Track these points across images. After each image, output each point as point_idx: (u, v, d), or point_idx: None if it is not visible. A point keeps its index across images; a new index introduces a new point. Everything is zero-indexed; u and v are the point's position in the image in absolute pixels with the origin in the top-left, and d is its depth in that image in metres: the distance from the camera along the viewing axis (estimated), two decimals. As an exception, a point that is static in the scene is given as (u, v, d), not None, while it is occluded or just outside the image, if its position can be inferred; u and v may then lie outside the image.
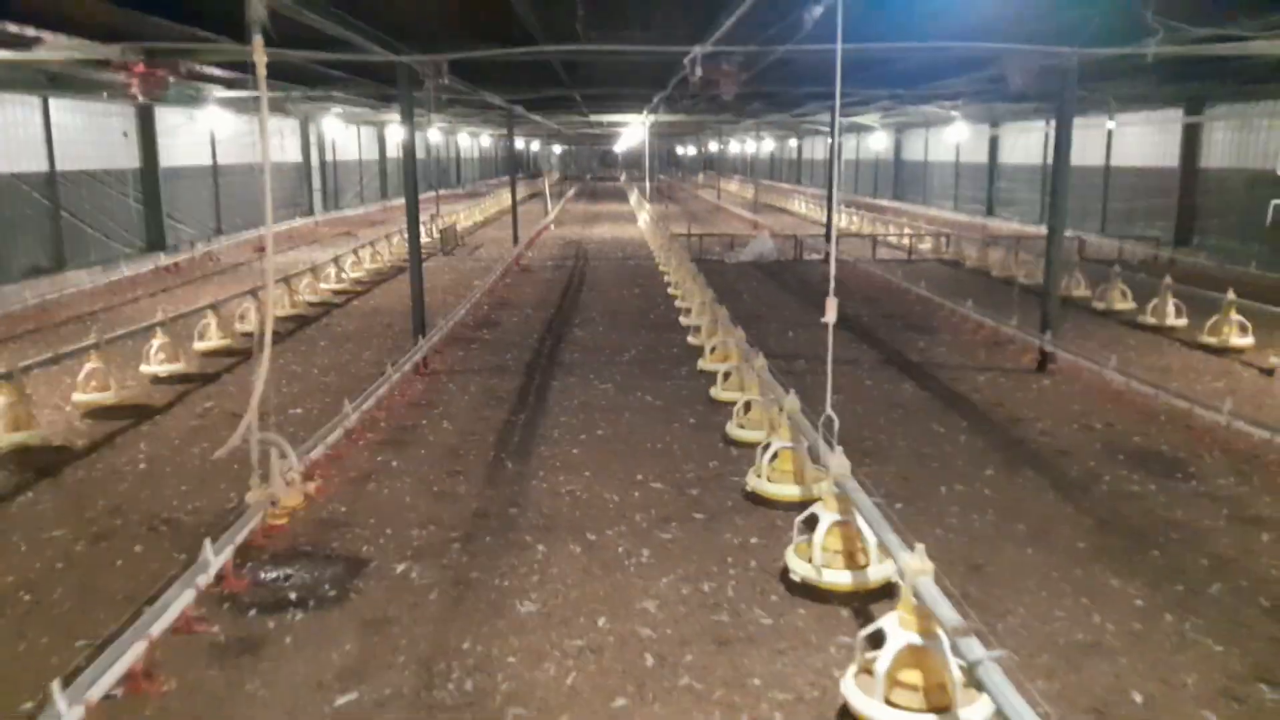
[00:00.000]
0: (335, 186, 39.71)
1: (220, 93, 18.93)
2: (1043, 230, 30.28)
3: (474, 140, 65.56)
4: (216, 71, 16.11)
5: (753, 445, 8.82)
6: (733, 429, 9.19)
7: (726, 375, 10.70)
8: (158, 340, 11.83)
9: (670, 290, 18.52)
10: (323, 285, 19.07)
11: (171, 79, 11.61)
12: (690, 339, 13.86)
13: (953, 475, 8.42)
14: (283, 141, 33.13)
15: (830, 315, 6.62)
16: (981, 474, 8.49)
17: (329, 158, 38.71)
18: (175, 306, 17.07)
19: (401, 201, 42.31)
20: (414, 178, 12.45)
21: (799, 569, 5.94)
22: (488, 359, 13.07)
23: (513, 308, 17.36)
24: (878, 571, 5.85)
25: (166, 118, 24.32)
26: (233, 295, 15.18)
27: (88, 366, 10.34)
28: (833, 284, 6.82)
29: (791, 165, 67.67)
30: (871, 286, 19.58)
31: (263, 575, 6.27)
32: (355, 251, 21.81)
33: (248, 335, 14.52)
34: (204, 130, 26.86)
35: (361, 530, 7.10)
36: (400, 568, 6.45)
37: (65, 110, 20.16)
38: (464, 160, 68.80)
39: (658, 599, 6.01)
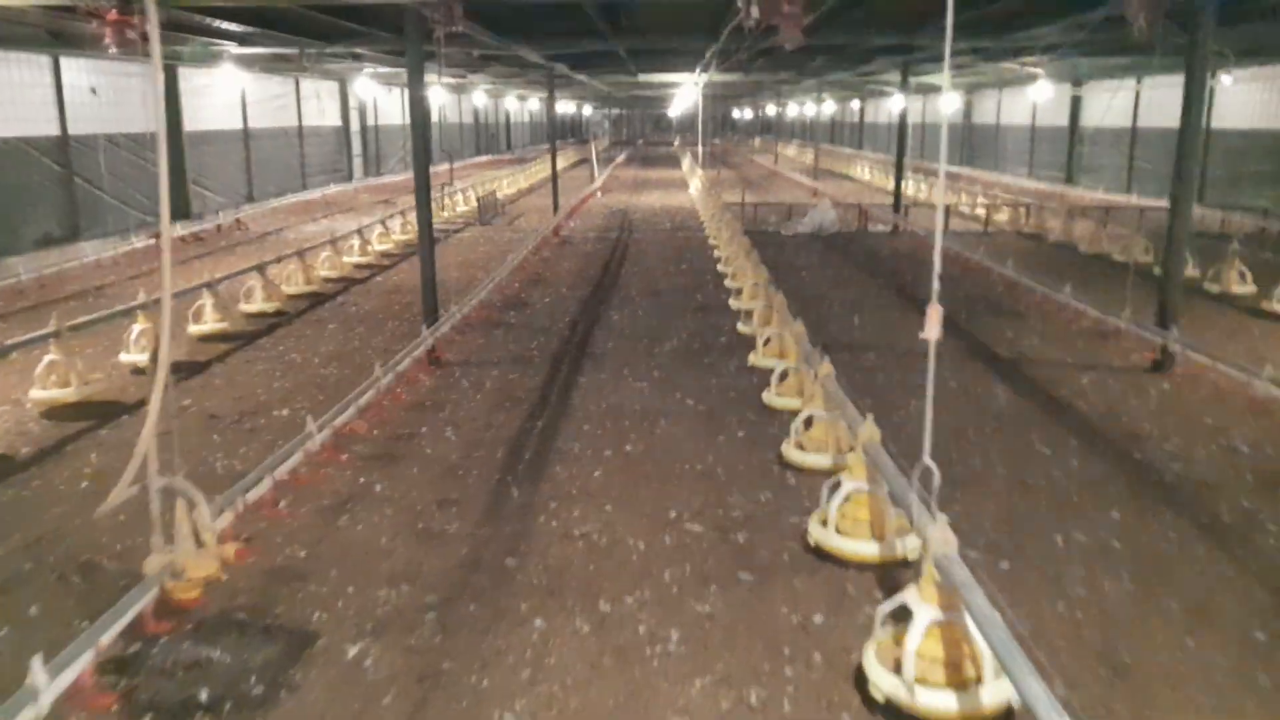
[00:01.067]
0: (377, 152, 38.46)
1: (235, 49, 17.52)
2: (1131, 200, 27.85)
3: (522, 104, 63.89)
4: (221, 24, 14.72)
5: (814, 473, 7.15)
6: (790, 450, 7.51)
7: (783, 376, 9.00)
8: (139, 325, 10.51)
9: (720, 267, 16.77)
10: (345, 259, 17.72)
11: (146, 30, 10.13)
12: (741, 327, 12.16)
13: (1069, 517, 6.66)
14: (321, 105, 31.89)
15: (933, 330, 4.85)
16: (1106, 516, 6.71)
17: (370, 122, 37.41)
18: (186, 281, 15.91)
19: (445, 167, 40.91)
20: (425, 143, 10.87)
21: (882, 682, 4.29)
22: (510, 347, 11.53)
23: (546, 285, 15.79)
24: (994, 694, 4.17)
25: (193, 79, 23.09)
26: (240, 270, 13.84)
27: (46, 358, 9.04)
28: (936, 285, 4.99)
29: (853, 129, 64.78)
30: (949, 263, 17.51)
31: (175, 657, 4.83)
32: (384, 222, 20.41)
33: (254, 316, 13.21)
34: (233, 92, 25.65)
35: (318, 587, 5.62)
36: (354, 650, 4.96)
37: (79, 70, 18.99)
38: (514, 125, 67.25)
39: (687, 716, 4.42)
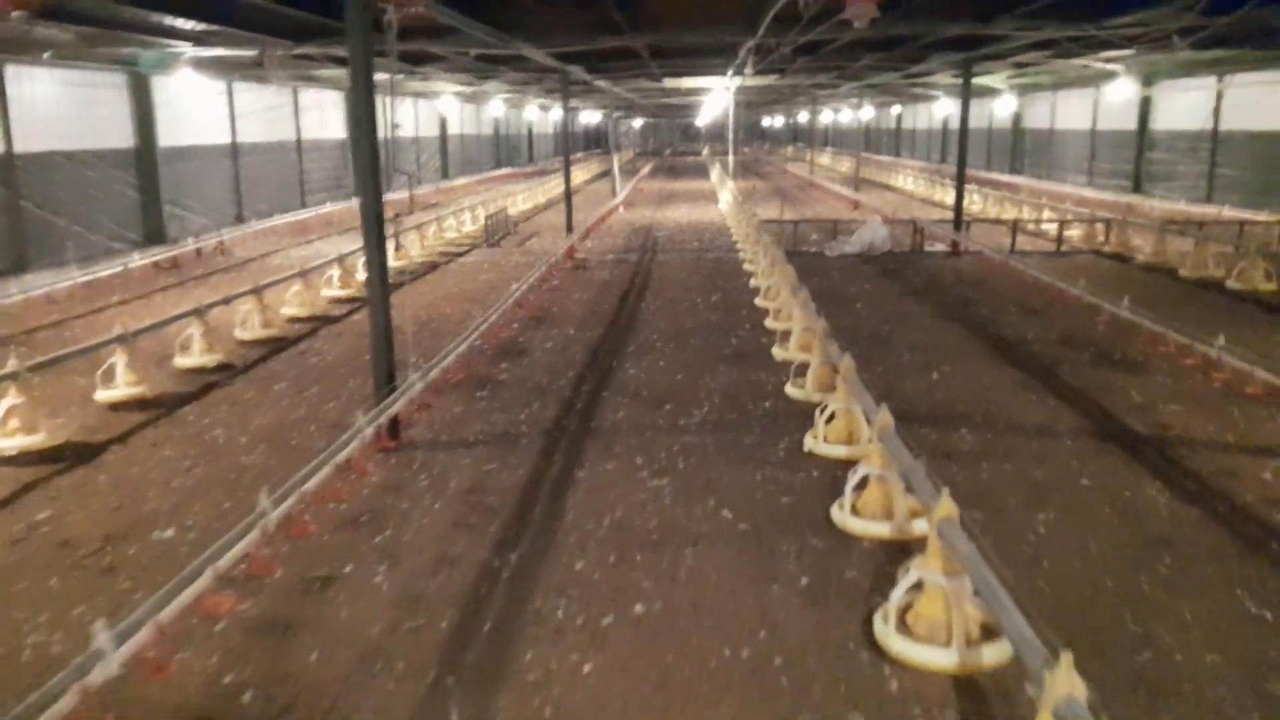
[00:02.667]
0: (388, 165, 36.24)
1: (192, 50, 15.24)
2: (1217, 212, 24.72)
3: (545, 114, 61.75)
4: (170, 21, 12.43)
5: (934, 675, 4.55)
6: (888, 632, 4.83)
7: (862, 483, 6.37)
8: (120, 359, 8.13)
9: (759, 301, 14.16)
10: (325, 292, 15.37)
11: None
12: (791, 390, 9.55)
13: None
14: (323, 116, 29.75)
15: None
16: None
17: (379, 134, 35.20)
18: (141, 318, 13.63)
19: (464, 180, 38.74)
20: (373, 163, 8.38)
21: None
22: (494, 418, 9.01)
23: (551, 324, 13.29)
24: None
25: (169, 88, 20.92)
26: (178, 315, 11.45)
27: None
28: None
29: (889, 136, 61.92)
30: (1027, 292, 14.85)
31: None
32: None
33: (187, 374, 10.81)
34: (220, 103, 23.51)
35: None
36: None
37: (29, 79, 16.84)
38: (536, 136, 65.15)
39: None
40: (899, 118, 60.30)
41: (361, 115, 8.01)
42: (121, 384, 9.51)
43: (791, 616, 5.26)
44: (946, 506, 4.59)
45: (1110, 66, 20.91)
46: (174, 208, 21.08)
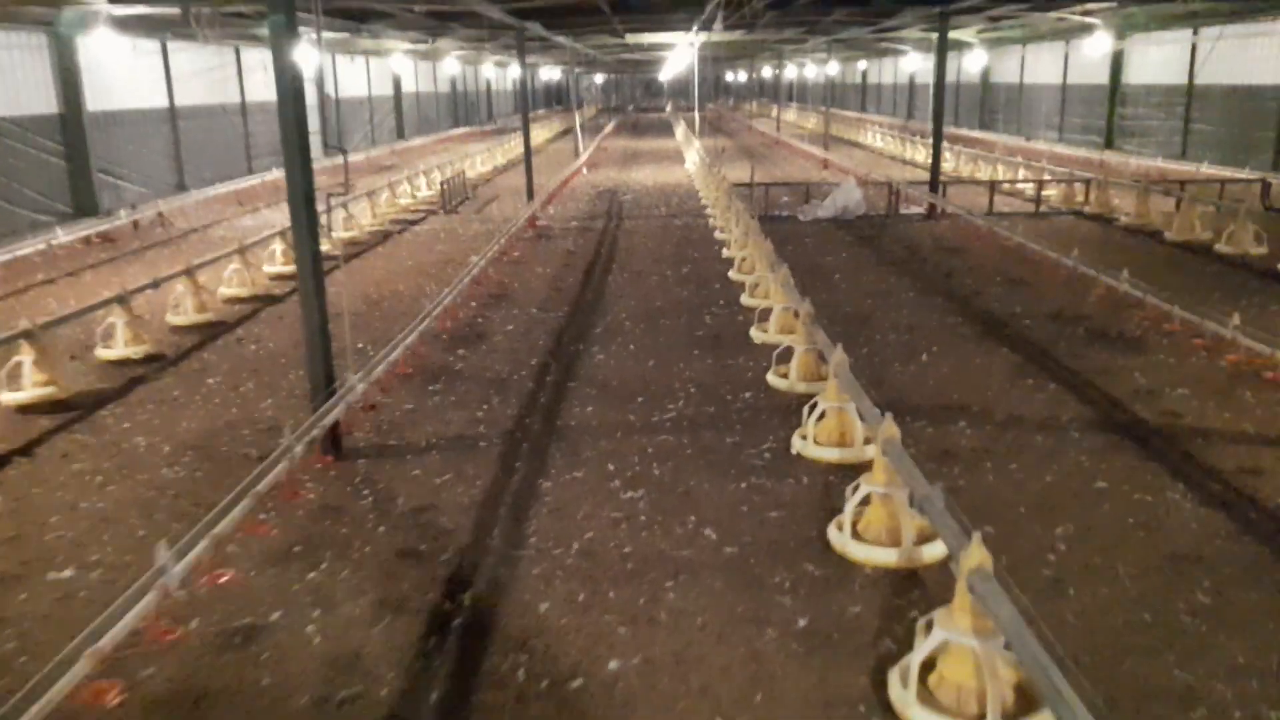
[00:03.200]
0: (338, 128, 34.73)
1: (107, 8, 13.93)
2: (1194, 169, 24.21)
3: (504, 71, 60.00)
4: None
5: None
6: (907, 697, 4.12)
7: (864, 502, 5.64)
8: (24, 356, 7.15)
9: (734, 274, 13.36)
10: (267, 268, 14.33)
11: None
12: (772, 378, 8.80)
13: None
14: (269, 77, 28.15)
15: None
16: None
17: (329, 94, 33.65)
18: (66, 300, 12.61)
19: (420, 141, 37.21)
20: (299, 130, 7.40)
21: None
22: (449, 418, 8.17)
23: (511, 304, 12.40)
24: None
25: (96, 49, 19.42)
26: (98, 301, 10.40)
27: None
28: None
29: (855, 91, 60.92)
30: (1010, 259, 14.20)
31: None
32: (327, 211, 16.92)
33: (111, 367, 9.83)
34: (155, 65, 22.02)
35: None
36: None
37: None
38: (496, 94, 63.31)
39: None
40: (864, 73, 59.33)
41: (285, 80, 7.01)
42: (30, 384, 8.53)
43: (790, 671, 4.55)
44: (978, 555, 3.87)
45: (1087, 20, 20.16)
46: (107, 177, 19.71)
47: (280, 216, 20.26)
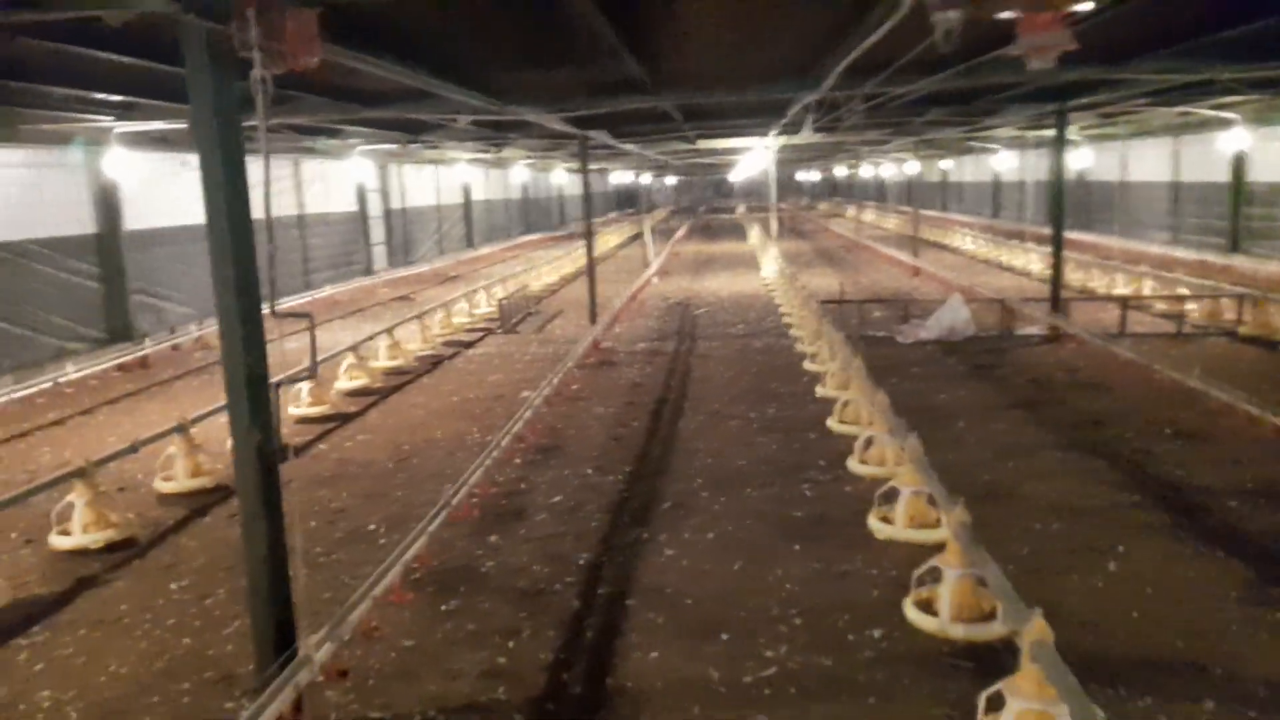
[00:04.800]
0: (404, 238, 33.98)
1: (120, 126, 12.71)
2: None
3: (575, 176, 59.77)
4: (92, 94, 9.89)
5: None
6: None
7: None
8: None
9: (833, 424, 10.99)
10: (291, 410, 12.58)
11: None
12: (912, 611, 6.37)
13: None
14: (327, 187, 27.45)
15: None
16: None
17: (394, 205, 32.99)
18: (65, 445, 11.03)
19: (489, 249, 36.17)
20: (243, 269, 5.42)
21: None
22: (458, 665, 5.94)
23: (562, 460, 10.27)
24: None
25: (137, 166, 18.54)
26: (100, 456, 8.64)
27: None
28: None
29: (935, 189, 58.87)
30: (1172, 402, 11.58)
31: None
32: (390, 331, 15.25)
33: (67, 559, 7.95)
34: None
35: None
36: None
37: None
38: (567, 198, 63.11)
39: None
40: (944, 171, 57.42)
41: (212, 184, 5.07)
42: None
43: None
44: None
45: (1223, 114, 17.81)
46: (145, 298, 18.57)
47: (328, 337, 18.86)
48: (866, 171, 64.04)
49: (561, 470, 9.86)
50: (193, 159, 19.44)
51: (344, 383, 13.99)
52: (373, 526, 8.45)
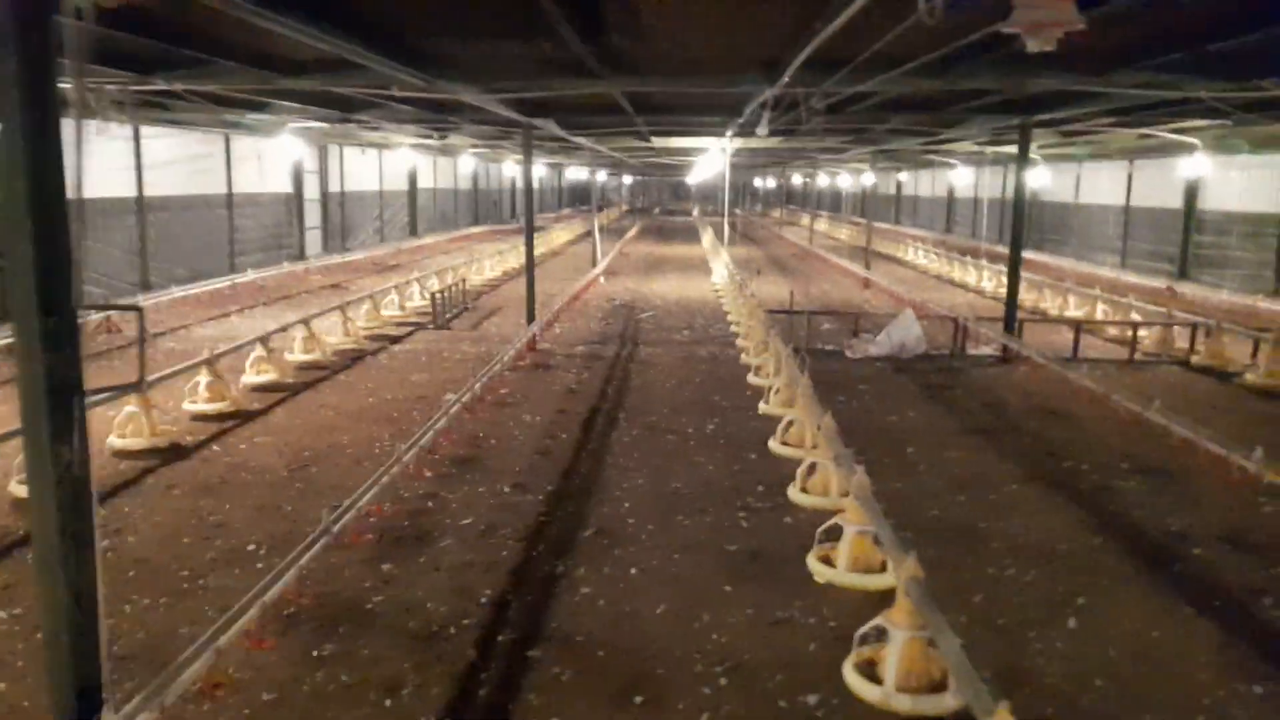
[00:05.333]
0: (342, 223, 32.61)
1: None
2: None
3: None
4: None
5: None
6: None
7: None
8: None
9: (775, 445, 10.20)
10: (187, 405, 11.43)
11: None
12: (854, 677, 5.57)
13: None
14: (262, 166, 26.06)
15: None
16: None
17: (334, 187, 31.61)
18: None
19: (433, 239, 34.86)
20: (47, 225, 4.35)
21: None
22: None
23: (480, 474, 9.33)
24: None
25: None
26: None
27: None
28: None
29: (889, 203, 58.88)
30: (1131, 434, 11.03)
31: None
32: (305, 322, 14.09)
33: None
34: (123, 151, 19.76)
35: None
36: None
37: None
38: (519, 191, 61.85)
39: None
40: (899, 184, 57.45)
41: (29, 173, 4.04)
42: None
43: None
44: None
45: (1186, 139, 17.48)
46: (45, 274, 17.13)
47: (248, 324, 17.67)
48: (822, 181, 63.89)
49: (477, 486, 8.92)
50: (111, 126, 18.04)
51: (250, 377, 12.85)
52: (253, 546, 7.43)
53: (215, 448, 10.20)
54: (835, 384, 13.28)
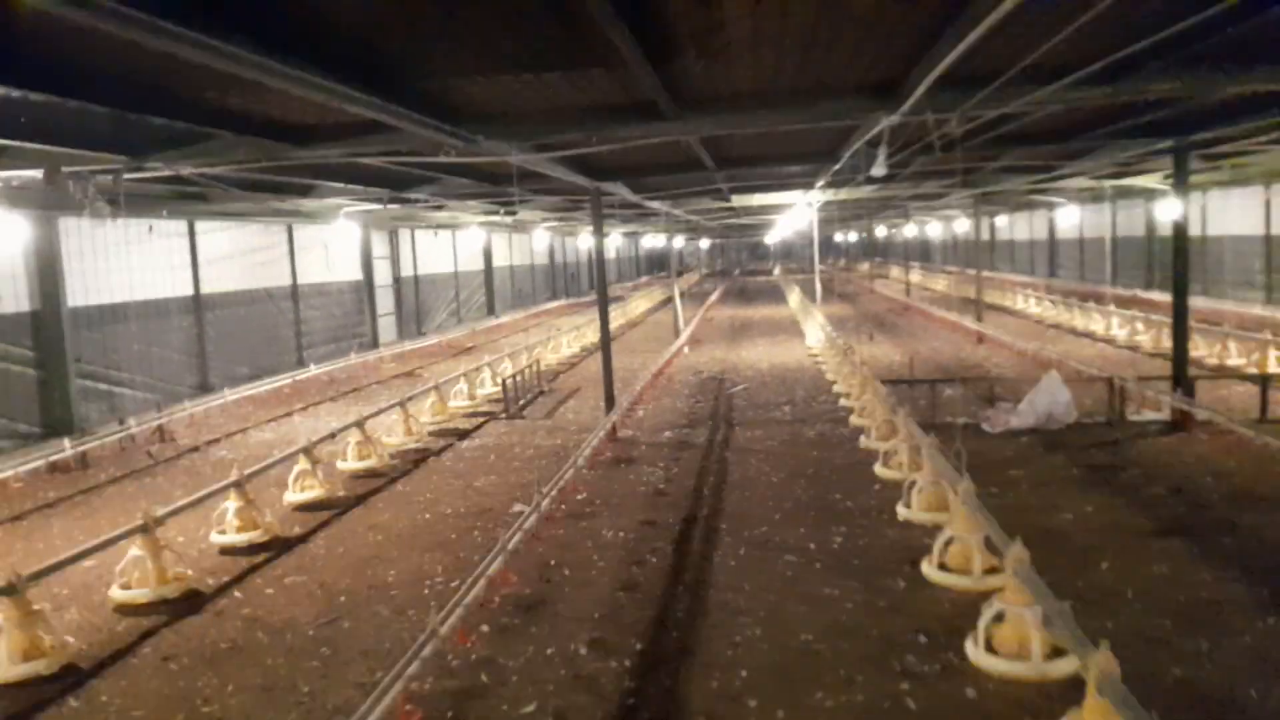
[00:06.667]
0: (417, 306, 31.64)
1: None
2: None
3: (603, 240, 57.62)
4: None
5: None
6: None
7: None
8: None
9: (930, 570, 7.92)
10: (217, 537, 9.80)
11: None
12: None
13: None
14: (328, 255, 25.18)
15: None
16: None
17: (405, 272, 30.71)
18: None
19: (510, 317, 33.45)
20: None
21: None
22: None
23: (548, 622, 7.30)
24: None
25: (90, 233, 16.24)
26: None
27: None
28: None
29: (981, 248, 55.60)
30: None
31: None
32: (302, 455, 12.43)
33: None
34: (175, 248, 18.88)
35: None
36: None
37: None
38: (592, 263, 60.90)
39: None
40: (991, 228, 54.40)
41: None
42: None
43: None
44: None
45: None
46: (91, 382, 16.09)
47: (311, 424, 16.31)
48: (909, 231, 61.17)
49: (544, 647, 6.90)
50: (164, 224, 17.15)
51: (294, 494, 11.21)
52: (242, 758, 5.56)
53: (236, 594, 8.46)
54: (977, 466, 10.86)
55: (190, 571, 8.77)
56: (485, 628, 7.24)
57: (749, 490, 10.96)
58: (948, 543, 7.61)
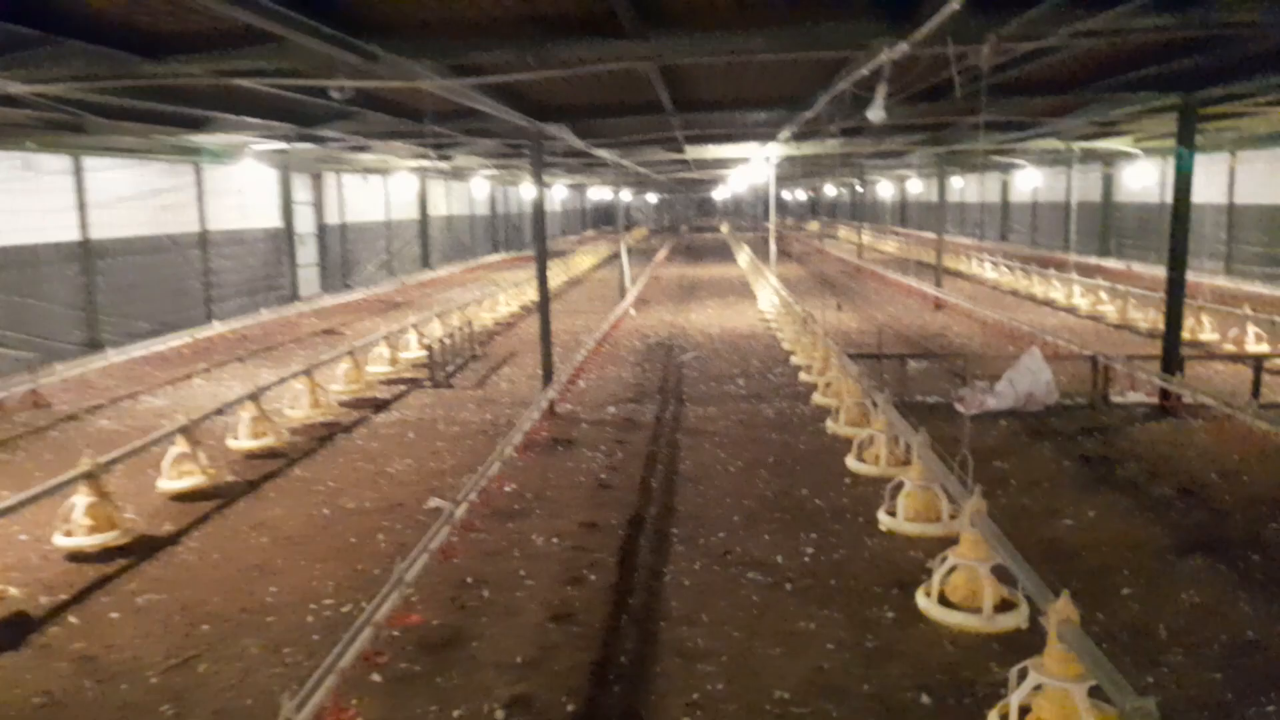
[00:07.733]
0: (344, 257, 29.48)
1: None
2: None
3: (549, 192, 55.41)
4: None
5: None
6: None
7: None
8: None
9: (924, 603, 6.59)
10: (58, 539, 8.06)
11: None
12: None
13: None
14: (244, 200, 22.95)
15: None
16: None
17: (333, 219, 28.51)
18: None
19: (448, 270, 31.26)
20: None
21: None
22: None
23: (460, 669, 5.83)
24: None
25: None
26: None
27: None
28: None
29: (926, 210, 54.96)
30: None
31: None
32: (180, 436, 10.67)
33: None
34: (64, 188, 16.66)
35: None
36: None
37: None
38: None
39: None
40: (941, 189, 53.51)
41: None
42: None
43: None
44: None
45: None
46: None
47: (213, 389, 14.49)
48: (860, 191, 60.08)
49: (450, 708, 5.41)
50: (44, 160, 14.97)
51: (169, 481, 9.48)
52: None
53: (72, 619, 6.79)
54: (951, 444, 9.66)
55: (15, 590, 7.07)
56: (377, 677, 5.73)
57: (704, 484, 9.56)
58: (951, 570, 6.28)
